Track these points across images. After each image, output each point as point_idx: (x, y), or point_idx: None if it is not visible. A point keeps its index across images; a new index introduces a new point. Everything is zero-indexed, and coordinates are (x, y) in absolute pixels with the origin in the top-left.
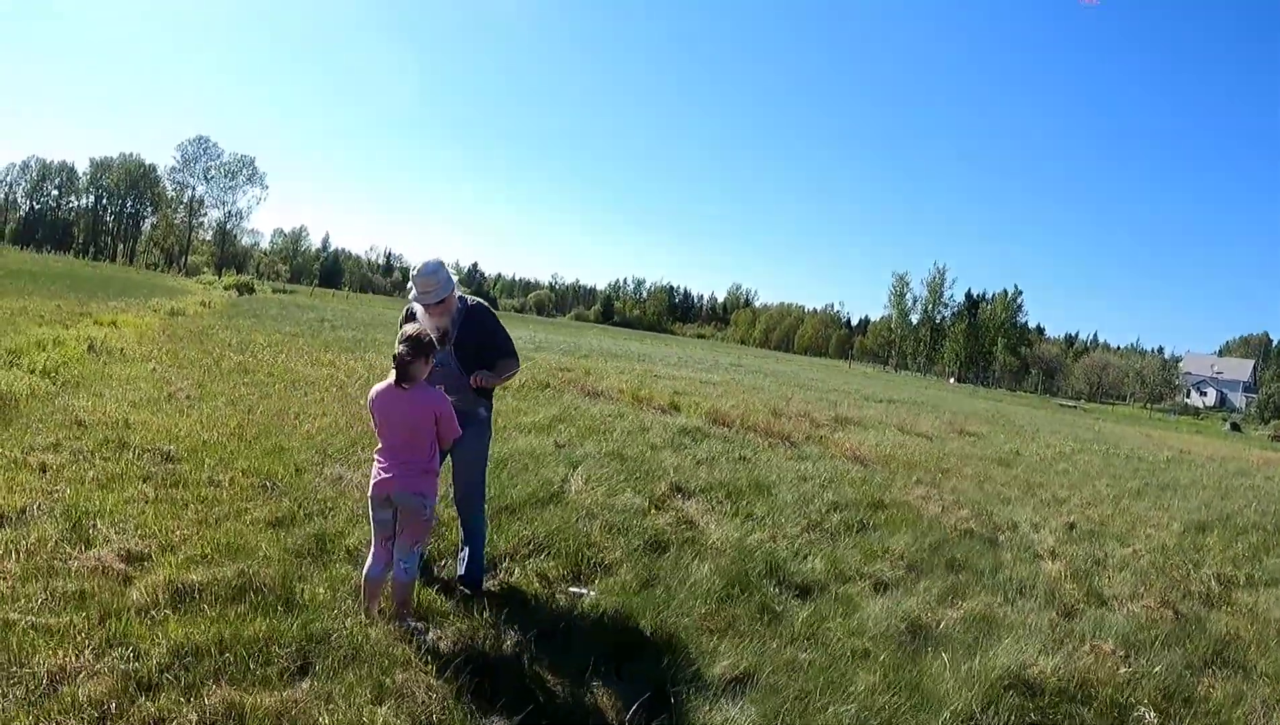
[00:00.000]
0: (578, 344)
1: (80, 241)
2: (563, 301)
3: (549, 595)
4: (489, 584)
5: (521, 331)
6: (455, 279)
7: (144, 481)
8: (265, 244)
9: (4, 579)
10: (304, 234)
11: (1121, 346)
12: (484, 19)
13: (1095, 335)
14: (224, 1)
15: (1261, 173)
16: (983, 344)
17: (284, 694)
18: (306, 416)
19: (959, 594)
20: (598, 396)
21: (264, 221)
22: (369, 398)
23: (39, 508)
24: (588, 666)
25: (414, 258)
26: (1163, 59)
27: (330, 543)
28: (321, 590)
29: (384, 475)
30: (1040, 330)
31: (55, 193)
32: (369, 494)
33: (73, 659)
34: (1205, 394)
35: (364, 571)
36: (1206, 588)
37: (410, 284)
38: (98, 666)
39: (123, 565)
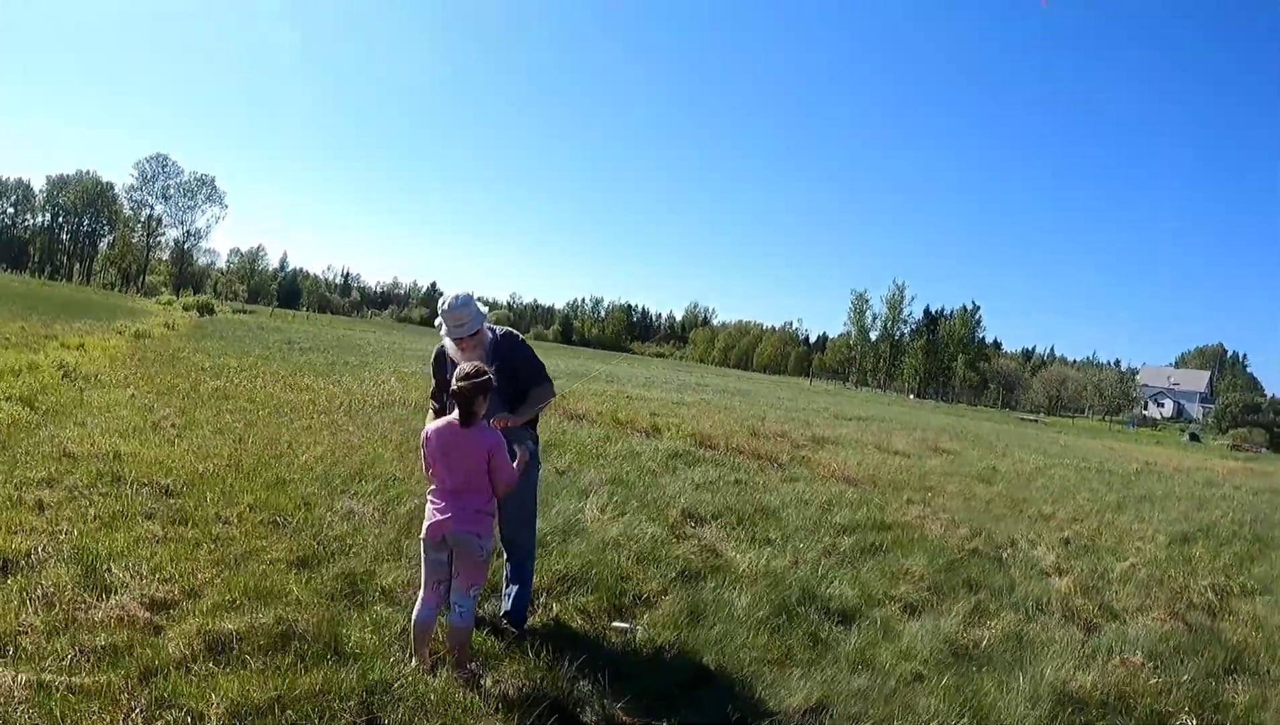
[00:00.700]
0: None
1: (36, 261)
2: (522, 321)
3: (596, 631)
4: (531, 621)
5: None
6: (485, 310)
7: (148, 519)
8: (222, 263)
9: (28, 634)
10: (261, 253)
11: (1079, 360)
12: (430, 31)
13: (1052, 349)
14: (173, 24)
15: (1214, 186)
16: (942, 360)
17: None
18: (299, 446)
19: (985, 613)
20: (579, 419)
21: (220, 240)
22: (423, 436)
23: (44, 550)
24: (661, 703)
25: (371, 277)
26: (1115, 69)
27: (361, 583)
28: (367, 636)
29: (440, 516)
30: (998, 345)
31: (11, 211)
32: (422, 535)
33: None
34: (1163, 405)
35: (414, 615)
36: (1206, 598)
37: (439, 319)
38: None
39: (148, 614)
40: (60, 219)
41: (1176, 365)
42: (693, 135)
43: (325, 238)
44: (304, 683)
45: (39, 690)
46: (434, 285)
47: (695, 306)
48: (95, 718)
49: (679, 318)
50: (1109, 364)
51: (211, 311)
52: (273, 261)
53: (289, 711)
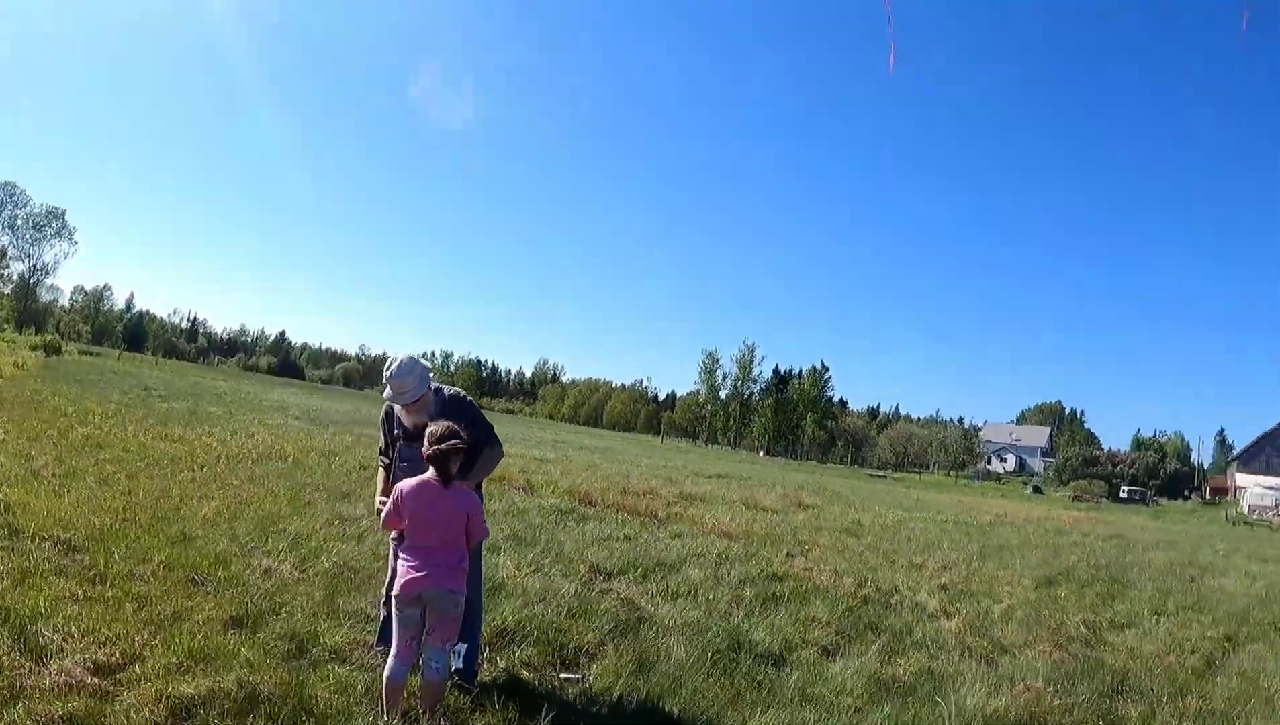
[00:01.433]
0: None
1: None
2: (371, 373)
3: (546, 682)
4: (480, 676)
5: (336, 404)
6: (430, 374)
7: (58, 576)
8: (65, 301)
9: None
10: (107, 293)
11: (922, 417)
12: (293, 86)
13: (897, 407)
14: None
15: (1053, 246)
16: (791, 418)
17: None
18: (190, 499)
19: (894, 652)
20: None
21: (63, 277)
22: (398, 493)
23: None
24: None
25: (218, 323)
26: (949, 139)
27: (308, 643)
28: (333, 696)
29: (416, 573)
30: (844, 403)
31: None
32: (395, 592)
33: None
34: (1005, 460)
35: (386, 672)
36: (1081, 632)
37: (385, 382)
38: None
39: (96, 679)
40: None
41: (1018, 421)
42: (541, 193)
43: (170, 276)
44: None
45: None
46: (283, 333)
47: (544, 362)
48: None
49: (529, 374)
50: (952, 421)
51: (59, 352)
52: (119, 302)
53: None
